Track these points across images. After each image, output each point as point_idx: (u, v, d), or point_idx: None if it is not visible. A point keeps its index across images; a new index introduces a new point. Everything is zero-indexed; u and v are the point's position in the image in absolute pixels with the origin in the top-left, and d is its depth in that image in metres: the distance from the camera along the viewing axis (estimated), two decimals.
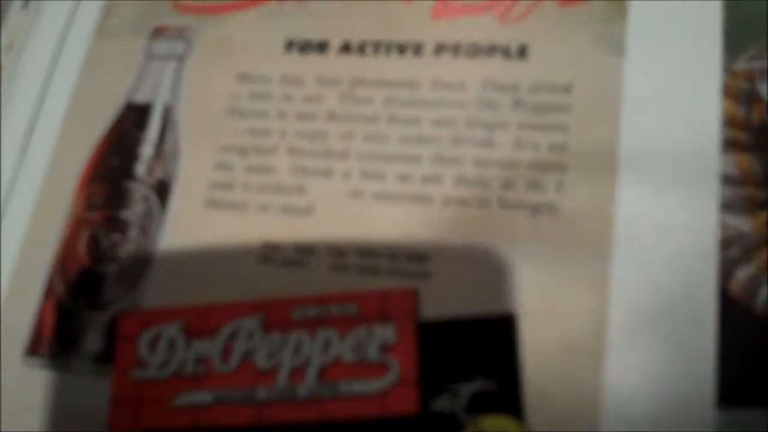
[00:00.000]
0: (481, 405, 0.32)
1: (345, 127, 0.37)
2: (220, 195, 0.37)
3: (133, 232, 0.37)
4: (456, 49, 0.38)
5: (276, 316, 0.34)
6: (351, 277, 0.35)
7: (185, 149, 0.39)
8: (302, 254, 0.36)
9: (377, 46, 0.39)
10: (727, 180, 0.34)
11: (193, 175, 0.38)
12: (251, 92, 0.39)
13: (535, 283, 0.33)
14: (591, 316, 0.32)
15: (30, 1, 0.44)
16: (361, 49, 0.39)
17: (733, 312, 0.32)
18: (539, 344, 0.32)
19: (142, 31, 0.42)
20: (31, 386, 0.36)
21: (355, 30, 0.39)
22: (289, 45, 0.40)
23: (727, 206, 0.34)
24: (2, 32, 0.44)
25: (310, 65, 0.39)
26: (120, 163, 0.39)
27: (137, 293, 0.36)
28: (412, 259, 0.35)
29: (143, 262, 0.37)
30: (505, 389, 0.32)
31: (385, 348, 0.33)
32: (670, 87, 0.35)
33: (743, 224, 0.34)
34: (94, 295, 0.37)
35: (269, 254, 0.36)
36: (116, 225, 0.38)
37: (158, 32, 0.42)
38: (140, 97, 0.40)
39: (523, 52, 0.37)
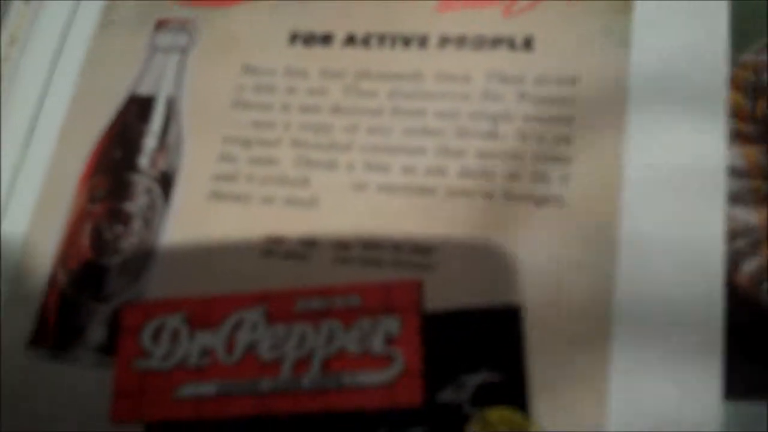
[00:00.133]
0: (486, 397, 0.32)
1: (349, 120, 0.37)
2: (224, 187, 0.37)
3: (136, 225, 0.37)
4: (461, 42, 0.38)
5: (280, 307, 0.34)
6: (355, 269, 0.35)
7: (188, 141, 0.39)
8: (306, 246, 0.36)
9: (382, 39, 0.39)
10: (733, 172, 0.34)
11: (196, 167, 0.38)
12: (255, 84, 0.39)
13: (540, 275, 0.33)
14: (597, 308, 0.32)
15: None
16: (366, 41, 0.39)
17: (740, 304, 0.32)
18: (544, 336, 0.32)
19: (146, 24, 0.42)
20: (35, 377, 0.36)
21: (360, 22, 0.39)
22: (294, 37, 0.40)
23: (733, 199, 0.33)
24: (5, 25, 0.44)
25: (315, 58, 0.39)
26: (123, 156, 0.39)
27: (140, 285, 0.36)
28: (416, 251, 0.35)
29: (146, 254, 0.37)
30: (510, 381, 0.32)
31: (389, 340, 0.33)
32: (677, 79, 0.35)
33: (750, 216, 0.33)
34: (97, 287, 0.37)
35: (273, 247, 0.36)
36: (119, 217, 0.38)
37: (161, 25, 0.42)
38: (143, 90, 0.40)
39: (528, 43, 0.37)
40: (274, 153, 0.37)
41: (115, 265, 0.37)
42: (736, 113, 0.35)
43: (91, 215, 0.38)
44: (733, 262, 0.33)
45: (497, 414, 0.32)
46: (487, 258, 0.34)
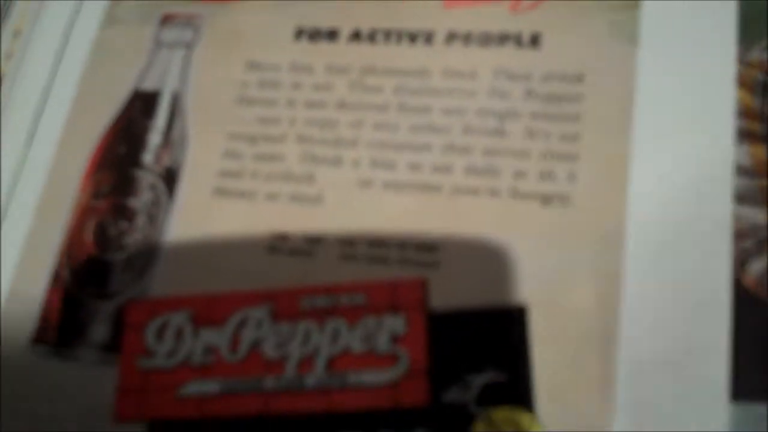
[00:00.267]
0: (492, 397, 0.32)
1: (355, 116, 0.37)
2: (229, 183, 0.37)
3: (141, 221, 0.37)
4: (467, 38, 0.38)
5: (284, 305, 0.34)
6: (360, 267, 0.35)
7: (193, 137, 0.39)
8: (311, 244, 0.35)
9: (388, 35, 0.38)
10: (741, 171, 0.34)
11: (201, 164, 0.38)
12: (260, 80, 0.39)
13: (546, 274, 0.33)
14: (602, 308, 0.32)
15: None
16: (372, 37, 0.39)
17: (747, 304, 0.32)
18: (550, 335, 0.32)
19: (151, 19, 0.42)
20: (38, 374, 0.36)
21: (366, 18, 0.39)
22: (299, 33, 0.40)
23: (741, 198, 0.33)
24: (10, 19, 0.43)
25: (320, 53, 0.39)
26: (127, 151, 0.39)
27: (144, 282, 0.36)
28: (422, 249, 0.34)
29: (150, 250, 0.37)
30: (515, 381, 0.32)
31: (394, 338, 0.33)
32: (684, 76, 0.35)
33: (757, 216, 0.33)
34: (101, 284, 0.37)
35: (278, 244, 0.36)
36: (123, 213, 0.38)
37: (167, 20, 0.41)
38: (148, 85, 0.40)
39: (535, 40, 0.37)
40: (279, 149, 0.37)
41: (119, 261, 0.37)
42: (744, 112, 0.35)
43: (95, 211, 0.38)
44: (740, 262, 0.33)
45: (502, 414, 0.31)
46: (493, 256, 0.34)
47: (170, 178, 0.38)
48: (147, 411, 0.34)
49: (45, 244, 0.38)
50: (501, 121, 0.36)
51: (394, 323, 0.33)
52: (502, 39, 0.37)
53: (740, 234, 0.33)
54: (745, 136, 0.34)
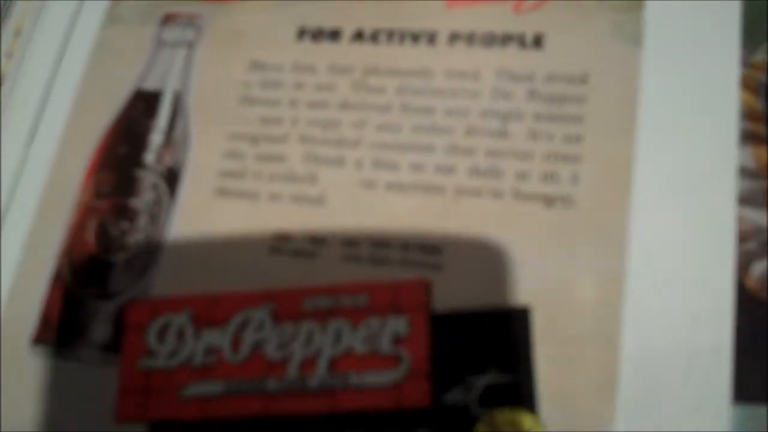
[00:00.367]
0: (494, 398, 0.32)
1: (357, 116, 0.37)
2: (231, 183, 0.37)
3: (142, 221, 0.37)
4: (470, 38, 0.38)
5: (287, 306, 0.34)
6: (363, 267, 0.35)
7: (195, 137, 0.38)
8: (314, 244, 0.35)
9: (391, 35, 0.38)
10: (744, 173, 0.34)
11: (203, 164, 0.38)
12: (263, 80, 0.39)
13: (548, 275, 0.33)
14: (605, 309, 0.32)
15: None
16: (375, 37, 0.39)
17: (750, 306, 0.32)
18: (553, 337, 0.32)
19: (152, 18, 0.42)
20: (38, 374, 0.36)
21: (368, 18, 0.39)
22: (302, 33, 0.40)
23: (744, 200, 0.33)
24: (10, 18, 0.43)
25: (323, 53, 0.39)
26: (129, 151, 0.39)
27: (145, 282, 0.36)
28: (425, 250, 0.34)
29: (152, 250, 0.37)
30: (518, 382, 0.32)
31: (397, 340, 0.33)
32: (688, 77, 0.35)
33: (761, 218, 0.33)
34: (102, 284, 0.37)
35: (280, 244, 0.36)
36: (125, 213, 0.38)
37: (168, 19, 0.41)
38: (150, 85, 0.40)
39: (538, 41, 0.37)
40: (282, 149, 0.37)
41: (121, 261, 0.37)
42: (747, 114, 0.35)
43: (97, 211, 0.38)
44: (743, 263, 0.33)
45: (505, 415, 0.31)
46: (495, 258, 0.34)
47: (172, 178, 0.38)
48: (148, 412, 0.34)
49: (46, 243, 0.38)
50: (504, 122, 0.36)
51: (397, 324, 0.33)
52: (505, 39, 0.37)
53: (743, 236, 0.33)
54: (748, 137, 0.34)
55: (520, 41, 0.37)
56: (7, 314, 0.37)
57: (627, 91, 0.35)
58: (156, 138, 0.38)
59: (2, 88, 0.42)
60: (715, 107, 0.34)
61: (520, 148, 0.35)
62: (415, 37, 0.38)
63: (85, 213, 0.38)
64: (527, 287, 0.33)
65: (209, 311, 0.34)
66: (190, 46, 0.40)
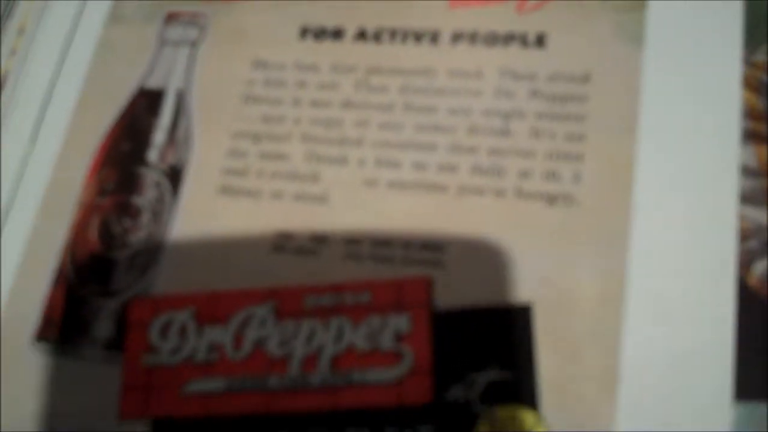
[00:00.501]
0: (496, 395, 0.32)
1: (360, 115, 0.37)
2: (233, 182, 0.37)
3: (145, 218, 0.37)
4: (473, 38, 0.38)
5: (289, 304, 0.34)
6: (365, 266, 0.35)
7: (198, 135, 0.38)
8: (316, 243, 0.35)
9: (393, 34, 0.39)
10: (746, 171, 0.34)
11: (205, 162, 0.38)
12: (265, 79, 0.39)
13: (550, 273, 0.33)
14: (607, 307, 0.32)
15: None
16: (377, 36, 0.39)
17: (752, 304, 0.32)
18: (554, 334, 0.32)
19: (155, 17, 0.42)
20: (40, 372, 0.36)
21: (371, 17, 0.39)
22: (304, 32, 0.40)
23: (746, 198, 0.33)
24: (14, 16, 0.43)
25: (325, 52, 0.39)
26: (132, 149, 0.39)
27: (148, 280, 0.36)
28: (427, 248, 0.34)
29: (155, 248, 0.37)
30: (520, 379, 0.32)
31: (399, 337, 0.33)
32: (690, 77, 0.35)
33: (762, 217, 0.33)
34: (105, 281, 0.37)
35: (282, 242, 0.36)
36: (128, 211, 0.38)
37: (171, 18, 0.41)
38: (153, 83, 0.40)
39: (541, 40, 0.37)
40: (284, 148, 0.37)
41: (123, 259, 0.37)
42: (749, 113, 0.35)
43: (100, 208, 0.38)
44: (745, 262, 0.33)
45: (506, 412, 0.31)
46: (497, 256, 0.34)
47: (175, 176, 0.38)
48: (151, 409, 0.34)
49: (49, 241, 0.38)
50: (506, 121, 0.36)
51: (399, 321, 0.33)
52: (508, 39, 0.37)
53: (745, 234, 0.33)
54: (750, 136, 0.34)
55: (523, 41, 0.37)
56: (9, 312, 0.37)
57: (629, 90, 0.35)
58: (159, 136, 0.39)
59: (5, 86, 0.42)
60: (717, 106, 0.34)
61: (522, 147, 0.35)
62: (418, 37, 0.38)
63: (87, 211, 0.38)
64: (529, 285, 0.33)
65: (211, 308, 0.34)
66: (193, 44, 0.40)
